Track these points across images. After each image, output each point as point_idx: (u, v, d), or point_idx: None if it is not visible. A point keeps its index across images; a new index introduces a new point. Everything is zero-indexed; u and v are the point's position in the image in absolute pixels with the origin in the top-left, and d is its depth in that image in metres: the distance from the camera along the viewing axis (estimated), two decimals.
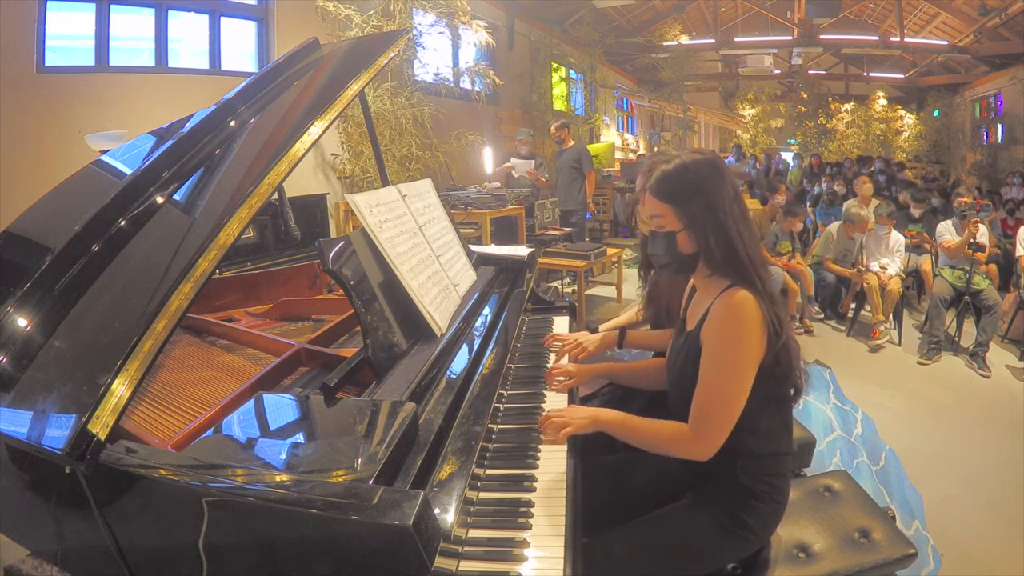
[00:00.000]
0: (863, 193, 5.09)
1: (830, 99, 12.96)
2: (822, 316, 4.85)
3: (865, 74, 12.39)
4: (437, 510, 0.86)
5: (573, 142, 5.56)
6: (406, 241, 1.52)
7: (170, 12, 4.10)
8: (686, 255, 1.22)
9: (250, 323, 1.86)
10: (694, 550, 1.20)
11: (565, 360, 1.69)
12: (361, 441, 0.97)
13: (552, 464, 1.17)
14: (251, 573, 0.85)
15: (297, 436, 1.05)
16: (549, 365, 1.63)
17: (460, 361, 1.36)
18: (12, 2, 3.25)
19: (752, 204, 5.70)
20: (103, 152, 1.81)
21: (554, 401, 1.45)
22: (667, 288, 1.73)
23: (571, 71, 9.71)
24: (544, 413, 1.30)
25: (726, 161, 10.60)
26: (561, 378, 1.51)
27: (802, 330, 4.52)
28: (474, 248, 2.23)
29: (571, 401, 1.47)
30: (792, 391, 1.22)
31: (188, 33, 4.33)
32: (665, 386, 1.46)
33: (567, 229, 5.16)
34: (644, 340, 1.79)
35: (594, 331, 1.86)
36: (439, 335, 1.41)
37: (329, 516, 0.76)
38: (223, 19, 4.46)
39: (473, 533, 0.97)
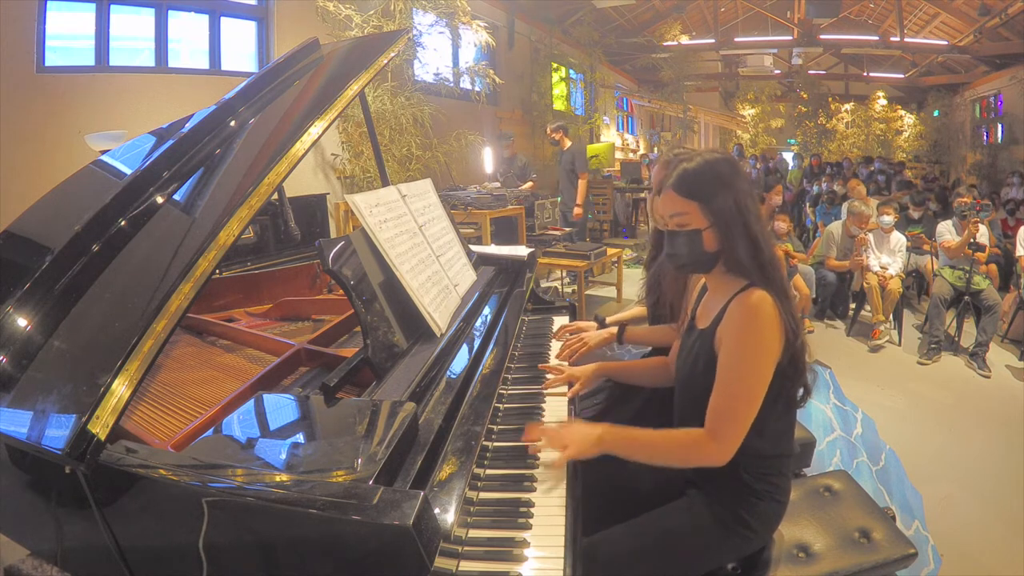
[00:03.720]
0: (858, 195, 5.13)
1: (830, 99, 12.97)
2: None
3: (865, 74, 12.39)
4: (437, 510, 0.86)
5: (570, 143, 5.54)
6: (406, 241, 1.52)
7: (170, 12, 4.11)
8: (708, 254, 1.20)
9: (250, 323, 1.86)
10: (695, 548, 1.20)
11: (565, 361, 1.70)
12: (361, 441, 0.97)
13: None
14: (251, 573, 0.85)
15: (297, 436, 1.05)
16: (549, 364, 1.63)
17: (460, 361, 1.36)
18: (12, 2, 3.25)
19: None
20: (103, 152, 1.81)
21: (554, 402, 1.44)
22: (670, 283, 1.73)
23: (571, 71, 9.72)
24: (541, 428, 1.21)
25: None
26: (562, 384, 1.51)
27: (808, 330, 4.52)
28: (474, 248, 2.23)
29: (571, 407, 1.45)
30: (801, 391, 1.22)
31: (188, 33, 4.33)
32: (664, 383, 1.46)
33: (567, 229, 5.16)
34: (644, 336, 1.79)
35: (601, 323, 1.87)
36: (439, 335, 1.41)
37: (329, 516, 0.76)
38: (223, 19, 4.47)
39: (473, 533, 0.97)
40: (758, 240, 1.16)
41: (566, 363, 1.65)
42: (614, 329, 1.77)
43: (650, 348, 1.87)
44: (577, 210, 5.41)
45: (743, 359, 1.12)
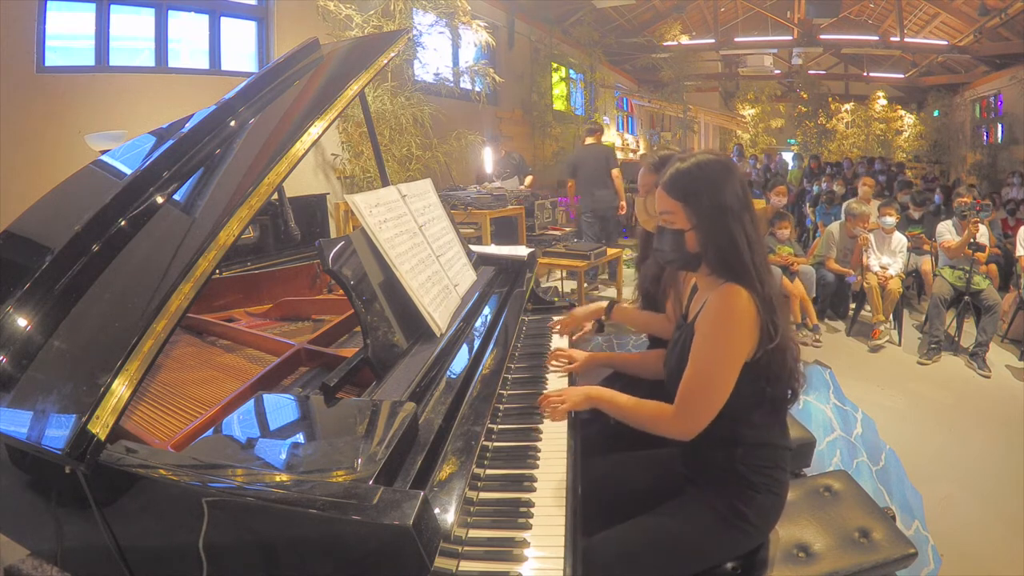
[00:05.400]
0: (864, 194, 5.10)
1: (830, 99, 12.96)
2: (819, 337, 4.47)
3: (865, 74, 12.39)
4: (437, 510, 0.86)
5: (588, 142, 5.58)
6: (406, 241, 1.52)
7: (170, 12, 4.11)
8: (690, 254, 1.23)
9: (250, 323, 1.86)
10: (694, 545, 1.21)
11: (565, 343, 1.72)
12: (361, 441, 0.97)
13: (552, 464, 1.17)
14: (251, 573, 0.85)
15: (297, 436, 1.05)
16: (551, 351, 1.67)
17: (460, 361, 1.36)
18: (12, 2, 3.25)
19: (756, 203, 5.66)
20: (103, 152, 1.81)
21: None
22: (654, 279, 1.76)
23: (571, 71, 9.72)
24: (543, 394, 1.37)
25: None
26: (562, 361, 1.58)
27: (808, 341, 4.28)
28: (474, 248, 2.23)
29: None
30: (789, 393, 1.23)
31: (188, 33, 4.33)
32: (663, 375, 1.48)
33: (567, 229, 5.17)
34: (633, 316, 1.84)
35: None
36: (439, 335, 1.41)
37: (329, 516, 0.76)
38: (223, 19, 4.47)
39: (473, 533, 0.97)
40: (739, 247, 1.17)
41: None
42: (602, 304, 1.81)
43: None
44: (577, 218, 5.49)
45: (710, 346, 1.17)
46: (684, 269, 1.32)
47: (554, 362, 1.61)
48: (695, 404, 1.18)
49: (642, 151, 12.48)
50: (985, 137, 11.21)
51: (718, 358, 1.16)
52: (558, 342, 1.80)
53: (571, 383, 1.54)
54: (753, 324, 1.15)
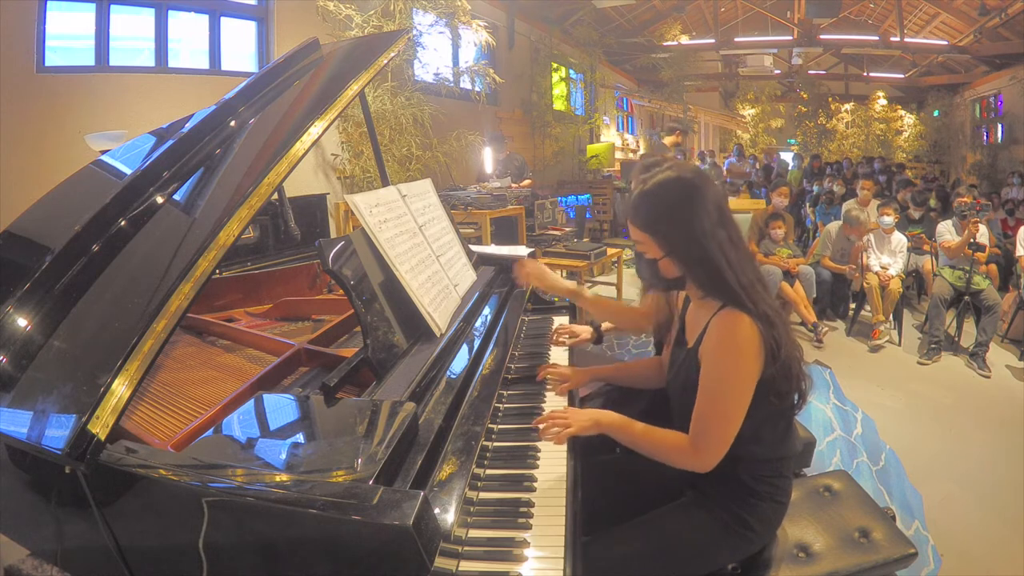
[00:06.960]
0: (863, 197, 5.09)
1: (830, 99, 12.96)
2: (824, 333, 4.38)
3: (865, 74, 12.38)
4: (437, 510, 0.86)
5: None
6: (406, 241, 1.52)
7: (170, 12, 4.11)
8: (670, 279, 1.22)
9: (250, 323, 1.86)
10: (695, 549, 1.20)
11: (564, 354, 1.71)
12: (361, 441, 0.97)
13: (552, 464, 1.17)
14: (251, 573, 0.85)
15: (297, 436, 1.05)
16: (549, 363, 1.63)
17: (460, 361, 1.36)
18: (12, 2, 3.25)
19: (756, 203, 5.64)
20: (103, 152, 1.81)
21: (554, 401, 1.44)
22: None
23: (571, 71, 9.72)
24: (546, 412, 1.30)
25: (727, 161, 10.60)
26: (555, 380, 1.51)
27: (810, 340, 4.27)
28: (474, 248, 2.23)
29: (571, 402, 1.46)
30: (797, 398, 1.21)
31: (188, 33, 4.33)
32: (661, 384, 1.46)
33: (567, 229, 5.17)
34: (605, 308, 1.83)
35: (597, 328, 1.88)
36: (439, 335, 1.41)
37: (329, 516, 0.76)
38: (223, 19, 4.47)
39: (473, 533, 0.97)
40: (720, 268, 1.13)
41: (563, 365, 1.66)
42: (587, 333, 1.81)
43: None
44: None
45: (720, 380, 1.13)
46: (671, 290, 1.30)
47: (549, 379, 1.52)
48: (712, 438, 1.14)
49: (642, 151, 12.48)
50: (985, 137, 11.21)
51: (730, 391, 1.13)
52: (557, 352, 1.76)
53: (571, 397, 1.49)
54: (758, 349, 1.12)
